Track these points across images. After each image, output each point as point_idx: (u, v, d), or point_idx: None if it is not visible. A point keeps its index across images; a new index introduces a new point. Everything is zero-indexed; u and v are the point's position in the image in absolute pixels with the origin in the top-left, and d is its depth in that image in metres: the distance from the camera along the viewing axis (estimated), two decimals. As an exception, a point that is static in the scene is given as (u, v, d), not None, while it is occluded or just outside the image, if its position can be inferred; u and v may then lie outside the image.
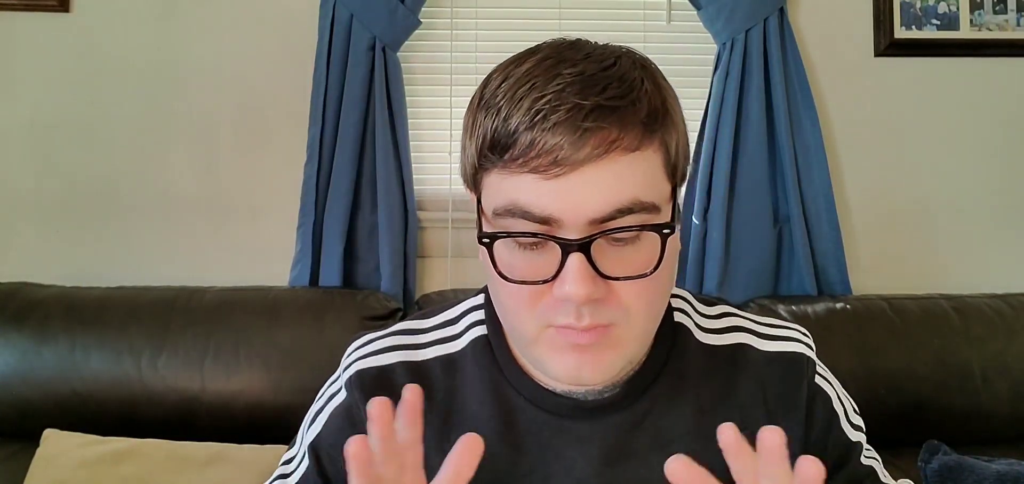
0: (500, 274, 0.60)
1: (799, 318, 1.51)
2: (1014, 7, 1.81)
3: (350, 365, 0.73)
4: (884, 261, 1.81)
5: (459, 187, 1.84)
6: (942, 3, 1.81)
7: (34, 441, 1.37)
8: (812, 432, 0.72)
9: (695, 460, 0.69)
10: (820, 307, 1.54)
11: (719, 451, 0.69)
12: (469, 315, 0.74)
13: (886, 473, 0.75)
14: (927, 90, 1.82)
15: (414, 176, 1.74)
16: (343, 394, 0.73)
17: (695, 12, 1.75)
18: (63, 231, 1.77)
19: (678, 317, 0.73)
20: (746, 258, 1.71)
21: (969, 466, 1.32)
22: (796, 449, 0.71)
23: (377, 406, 0.55)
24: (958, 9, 1.81)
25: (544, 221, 0.58)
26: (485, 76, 0.63)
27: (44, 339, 1.44)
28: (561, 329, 0.60)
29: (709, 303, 0.77)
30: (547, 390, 0.68)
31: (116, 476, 1.30)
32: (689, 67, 1.82)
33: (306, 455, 0.73)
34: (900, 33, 1.80)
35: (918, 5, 1.81)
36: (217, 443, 1.37)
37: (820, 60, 1.80)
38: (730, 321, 0.75)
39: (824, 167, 1.73)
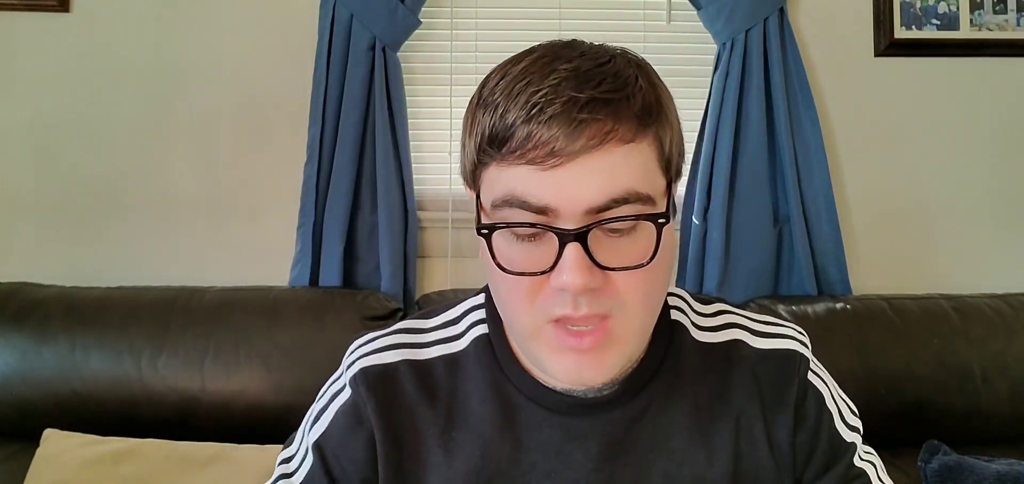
0: (499, 266, 0.61)
1: (799, 318, 1.51)
2: (1014, 7, 1.81)
3: (353, 363, 0.73)
4: (884, 261, 1.81)
5: (459, 187, 1.84)
6: (942, 3, 1.81)
7: (34, 441, 1.37)
8: (802, 428, 0.72)
9: (692, 456, 0.70)
10: (820, 307, 1.54)
11: (715, 447, 0.70)
12: (470, 315, 0.75)
13: (884, 478, 0.75)
14: (927, 90, 1.82)
15: (414, 176, 1.74)
16: (348, 391, 0.73)
17: (695, 12, 1.75)
18: (63, 231, 1.77)
19: (675, 316, 0.74)
20: (746, 258, 1.71)
21: (969, 466, 1.32)
22: (786, 446, 0.71)
23: None
24: (958, 9, 1.81)
25: (541, 211, 0.59)
26: (484, 76, 0.65)
27: (44, 339, 1.44)
28: (559, 329, 0.61)
29: (706, 302, 0.78)
30: (547, 388, 0.69)
31: (116, 476, 1.30)
32: (689, 67, 1.82)
33: (310, 453, 0.73)
34: (900, 33, 1.80)
35: (918, 5, 1.81)
36: (217, 443, 1.37)
37: (820, 60, 1.80)
38: (726, 319, 0.76)
39: (824, 167, 1.73)
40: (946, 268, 1.81)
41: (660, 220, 0.60)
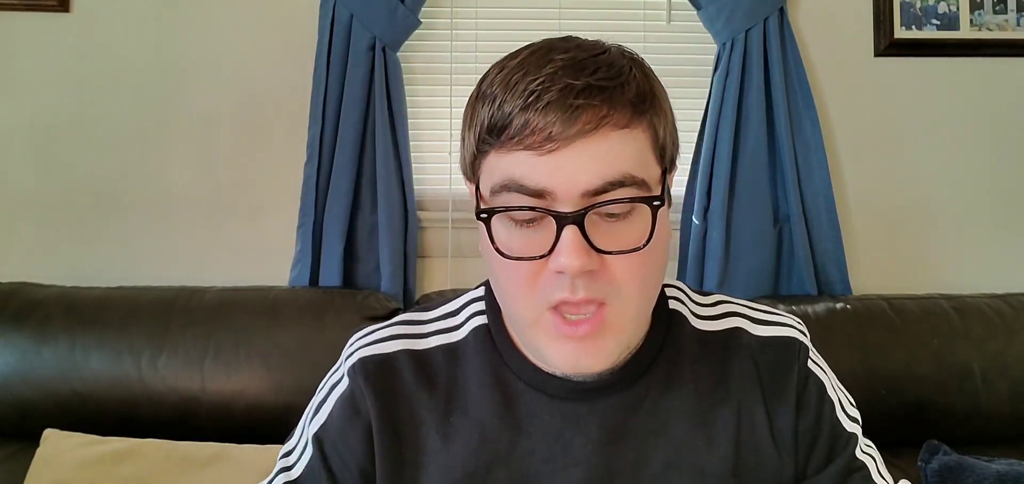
0: (498, 250, 0.62)
1: (798, 317, 1.51)
2: (1014, 7, 1.81)
3: (352, 354, 0.74)
4: (884, 261, 1.81)
5: (459, 187, 1.85)
6: (942, 3, 1.81)
7: (34, 441, 1.37)
8: (804, 416, 0.73)
9: (692, 442, 0.70)
10: (820, 307, 1.54)
11: (716, 433, 0.70)
12: (469, 307, 0.77)
13: (884, 472, 0.75)
14: (927, 90, 1.82)
15: (414, 176, 1.74)
16: (346, 382, 0.74)
17: (695, 12, 1.75)
18: (63, 231, 1.77)
19: (673, 305, 0.75)
20: (746, 258, 1.71)
21: (969, 466, 1.32)
22: (788, 434, 0.72)
23: None
24: (958, 9, 1.81)
25: (539, 194, 0.60)
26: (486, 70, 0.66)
27: (44, 339, 1.44)
28: (557, 318, 0.62)
29: (704, 293, 0.79)
30: (546, 374, 0.70)
31: (116, 476, 1.30)
32: (689, 67, 1.82)
33: (309, 445, 0.74)
34: (900, 33, 1.80)
35: (918, 5, 1.81)
36: (217, 443, 1.37)
37: (820, 60, 1.80)
38: (725, 308, 0.77)
39: (824, 167, 1.73)
40: (946, 268, 1.81)
41: (655, 203, 0.61)
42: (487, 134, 0.62)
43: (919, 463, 1.36)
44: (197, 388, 1.43)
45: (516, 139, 0.60)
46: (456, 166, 1.91)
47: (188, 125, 1.78)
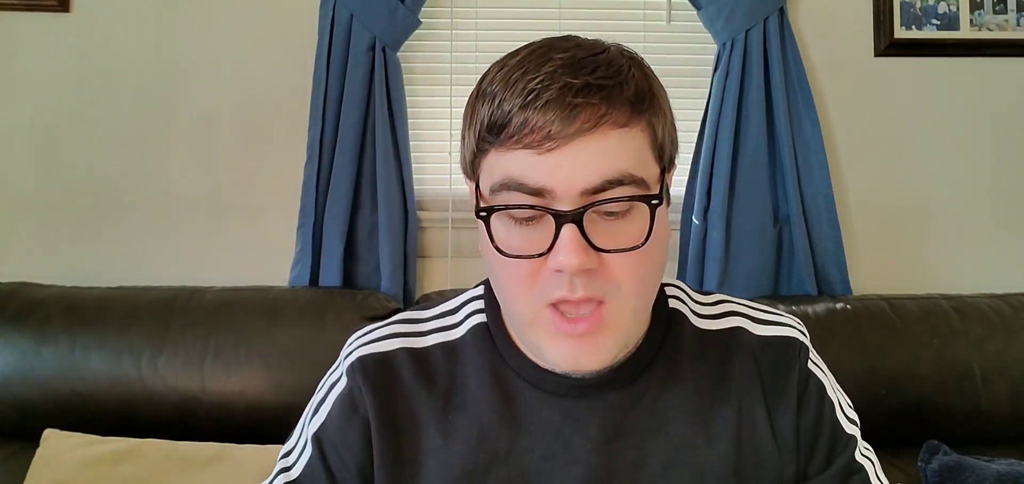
0: (497, 249, 0.63)
1: (798, 317, 1.51)
2: (1014, 7, 1.81)
3: (351, 353, 0.75)
4: (884, 261, 1.80)
5: (459, 187, 1.85)
6: (942, 3, 1.81)
7: (34, 441, 1.37)
8: (805, 416, 0.73)
9: (691, 440, 0.70)
10: (820, 307, 1.54)
11: (716, 431, 0.70)
12: (469, 305, 0.77)
13: (882, 475, 0.75)
14: (927, 90, 1.82)
15: (414, 176, 1.74)
16: (344, 381, 0.74)
17: (695, 12, 1.75)
18: (63, 231, 1.77)
19: (673, 304, 0.76)
20: (746, 258, 1.71)
21: (969, 466, 1.32)
22: (789, 433, 0.72)
23: None
24: (958, 9, 1.81)
25: (538, 193, 0.60)
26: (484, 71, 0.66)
27: (44, 339, 1.44)
28: (556, 316, 0.62)
29: (705, 293, 0.79)
30: (546, 371, 0.70)
31: (116, 476, 1.30)
32: (689, 67, 1.82)
33: (309, 445, 0.74)
34: (900, 33, 1.80)
35: (918, 5, 1.81)
36: (217, 443, 1.37)
37: (820, 60, 1.80)
38: (725, 307, 0.77)
39: (824, 167, 1.73)
40: (946, 268, 1.80)
41: (653, 202, 0.62)
42: (487, 132, 0.62)
43: (919, 463, 1.36)
44: (197, 388, 1.43)
45: (515, 138, 0.60)
46: (456, 166, 1.91)
47: (188, 125, 1.78)
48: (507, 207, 0.62)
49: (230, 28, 1.78)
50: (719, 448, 0.70)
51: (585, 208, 0.60)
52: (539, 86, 0.60)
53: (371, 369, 0.72)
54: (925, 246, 1.82)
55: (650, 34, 1.83)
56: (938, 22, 1.81)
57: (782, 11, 1.72)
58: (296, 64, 1.74)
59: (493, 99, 0.62)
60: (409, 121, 1.74)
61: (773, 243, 1.73)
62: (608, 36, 0.67)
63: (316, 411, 0.75)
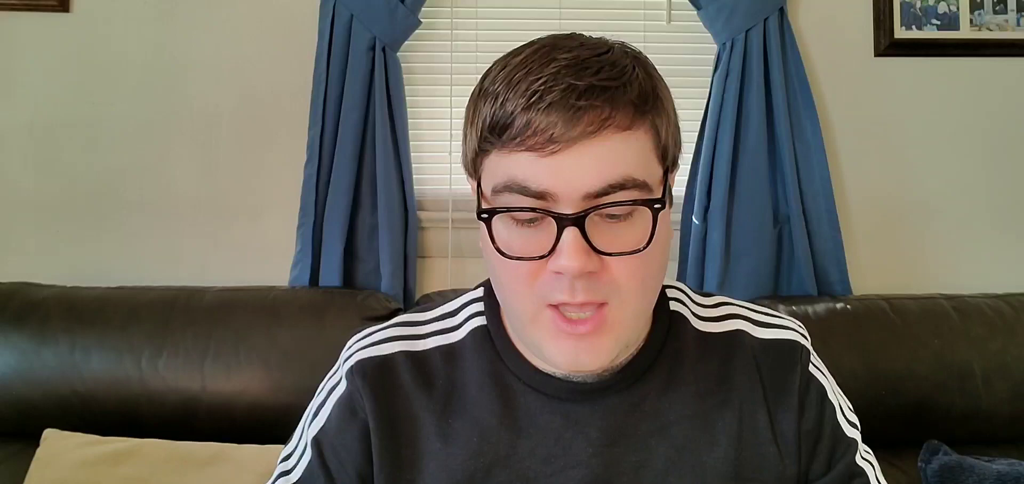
0: (498, 250, 0.62)
1: (799, 318, 1.50)
2: (1014, 7, 1.81)
3: (350, 356, 0.74)
4: (884, 261, 1.80)
5: (459, 187, 1.85)
6: (942, 3, 1.81)
7: (34, 441, 1.37)
8: (806, 419, 0.73)
9: (693, 441, 0.70)
10: (820, 307, 1.54)
11: (717, 433, 0.70)
12: (468, 307, 0.76)
13: (882, 479, 0.75)
14: (927, 90, 1.82)
15: (414, 176, 1.74)
16: (344, 384, 0.73)
17: (695, 12, 1.75)
18: (63, 231, 1.77)
19: (674, 306, 0.75)
20: (746, 258, 1.71)
21: (969, 466, 1.32)
22: (791, 435, 0.72)
23: None
24: (958, 9, 1.81)
25: (540, 196, 0.60)
26: (486, 69, 0.66)
27: (44, 339, 1.44)
28: (558, 315, 0.62)
29: (706, 295, 0.79)
30: (546, 374, 0.70)
31: (116, 476, 1.30)
32: (689, 67, 1.82)
33: (309, 448, 0.73)
34: (900, 33, 1.80)
35: (918, 5, 1.81)
36: (217, 443, 1.37)
37: (820, 60, 1.80)
38: (727, 310, 0.77)
39: (824, 167, 1.73)
40: (946, 268, 1.80)
41: (656, 206, 0.61)
42: (489, 133, 0.62)
43: (919, 463, 1.36)
44: (197, 388, 1.43)
45: (518, 139, 0.60)
46: (456, 166, 1.92)
47: (188, 125, 1.78)
48: (509, 210, 0.61)
49: (230, 28, 1.78)
50: (720, 451, 0.70)
51: (587, 211, 0.59)
52: (542, 87, 0.59)
53: (370, 373, 0.72)
54: (925, 246, 1.82)
55: (650, 34, 1.83)
56: (938, 22, 1.81)
57: (782, 11, 1.72)
58: (296, 64, 1.74)
59: (496, 99, 0.62)
60: (409, 121, 1.74)
61: (773, 243, 1.73)
62: (609, 36, 0.66)
63: (316, 414, 0.75)
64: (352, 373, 0.73)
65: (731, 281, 1.70)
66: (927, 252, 1.82)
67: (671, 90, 0.68)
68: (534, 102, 0.59)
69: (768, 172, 1.72)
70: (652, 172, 0.63)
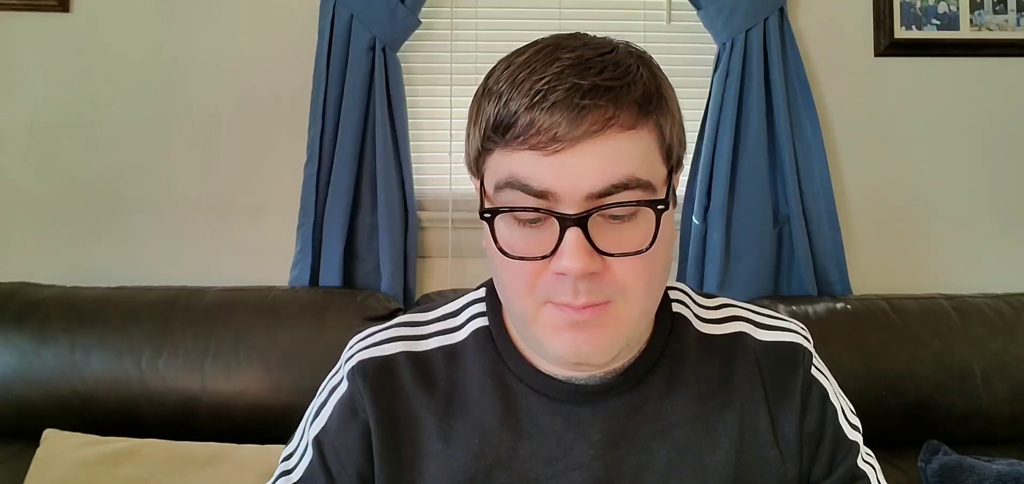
0: (500, 250, 0.62)
1: (799, 318, 1.50)
2: (1014, 7, 1.81)
3: (352, 356, 0.74)
4: (884, 261, 1.80)
5: (459, 187, 1.85)
6: (942, 3, 1.81)
7: (34, 441, 1.37)
8: (807, 422, 0.73)
9: (695, 443, 0.70)
10: (820, 307, 1.54)
11: (719, 435, 0.70)
12: (470, 308, 0.76)
13: (884, 482, 0.75)
14: (927, 90, 1.82)
15: (414, 176, 1.74)
16: (345, 384, 0.73)
17: (695, 12, 1.75)
18: (63, 231, 1.77)
19: (677, 308, 0.75)
20: (746, 258, 1.71)
21: (969, 466, 1.32)
22: (792, 437, 0.71)
23: None
24: (958, 9, 1.81)
25: (542, 195, 0.60)
26: (490, 68, 0.66)
27: (44, 339, 1.44)
28: (559, 305, 0.62)
29: (708, 297, 0.78)
30: (548, 376, 0.70)
31: (116, 476, 1.30)
32: (689, 67, 1.82)
33: (310, 449, 0.73)
34: (900, 33, 1.80)
35: (918, 5, 1.81)
36: (217, 443, 1.37)
37: (820, 60, 1.80)
38: (729, 312, 0.76)
39: (824, 167, 1.73)
40: (946, 268, 1.80)
41: (659, 207, 0.61)
42: (492, 131, 0.62)
43: (919, 463, 1.36)
44: (197, 388, 1.43)
45: (521, 138, 0.60)
46: (456, 166, 1.92)
47: (188, 125, 1.78)
48: (511, 209, 0.61)
49: (230, 28, 1.78)
50: (722, 453, 0.70)
51: (590, 212, 0.59)
52: (546, 87, 0.59)
53: (371, 373, 0.72)
54: (925, 246, 1.82)
55: (650, 34, 1.83)
56: (938, 22, 1.81)
57: (782, 11, 1.72)
58: (296, 64, 1.74)
59: (499, 98, 0.61)
60: (409, 121, 1.74)
61: (773, 243, 1.73)
62: (612, 37, 0.66)
63: (317, 414, 0.75)
64: (353, 373, 0.73)
65: (731, 281, 1.70)
66: (927, 252, 1.82)
67: (671, 90, 0.67)
68: (538, 101, 0.59)
69: (768, 172, 1.72)
70: (656, 172, 0.62)
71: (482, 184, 0.65)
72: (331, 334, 1.46)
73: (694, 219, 1.74)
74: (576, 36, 0.64)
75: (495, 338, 0.73)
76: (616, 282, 0.61)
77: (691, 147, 1.75)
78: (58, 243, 1.77)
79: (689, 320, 0.75)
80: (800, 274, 1.71)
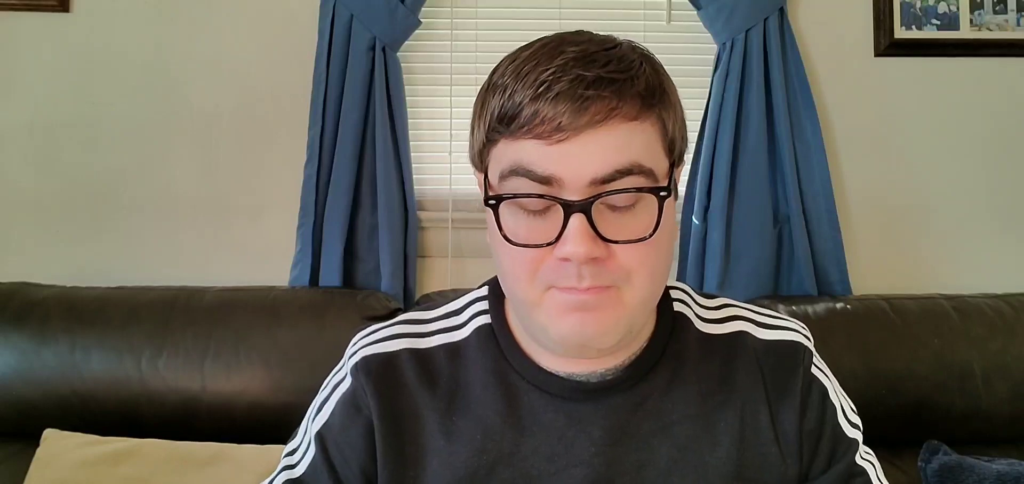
0: (505, 237, 0.63)
1: (799, 318, 1.50)
2: (1014, 7, 1.81)
3: (355, 353, 0.75)
4: (884, 261, 1.80)
5: (459, 187, 1.85)
6: (942, 3, 1.81)
7: (34, 441, 1.37)
8: (807, 419, 0.73)
9: (695, 443, 0.70)
10: (820, 307, 1.54)
11: (719, 433, 0.70)
12: (472, 306, 0.77)
13: (883, 479, 0.75)
14: (927, 90, 1.82)
15: (414, 176, 1.74)
16: (348, 380, 0.74)
17: (695, 12, 1.75)
18: (63, 231, 1.77)
19: (678, 307, 0.76)
20: (746, 258, 1.71)
21: (969, 466, 1.32)
22: (792, 435, 0.72)
23: None
24: (958, 9, 1.81)
25: (546, 181, 0.61)
26: (492, 67, 0.67)
27: (44, 339, 1.44)
28: (563, 290, 0.62)
29: (709, 297, 0.79)
30: (550, 373, 0.70)
31: (116, 476, 1.30)
32: (689, 67, 1.82)
33: (312, 443, 0.74)
34: (900, 33, 1.80)
35: (918, 5, 1.81)
36: (217, 443, 1.37)
37: (820, 60, 1.80)
38: (730, 312, 0.77)
39: (824, 167, 1.73)
40: (946, 268, 1.80)
41: (662, 194, 0.62)
42: (497, 123, 0.63)
43: (919, 463, 1.36)
44: (197, 388, 1.43)
45: (526, 128, 0.61)
46: (456, 166, 1.92)
47: (188, 125, 1.78)
48: (516, 196, 0.62)
49: (230, 28, 1.78)
50: (722, 451, 0.70)
51: (593, 198, 0.60)
52: (550, 78, 0.60)
53: (374, 369, 0.72)
54: (925, 246, 1.82)
55: (650, 34, 1.83)
56: (938, 22, 1.81)
57: (782, 11, 1.72)
58: (296, 64, 1.74)
59: (504, 91, 0.62)
60: (409, 121, 1.74)
61: (773, 243, 1.73)
62: (616, 36, 0.67)
63: (320, 410, 0.75)
64: (356, 370, 0.73)
65: (731, 281, 1.70)
66: (927, 252, 1.82)
67: (672, 90, 0.68)
68: (542, 92, 0.60)
69: (768, 172, 1.72)
70: (658, 163, 0.63)
71: (486, 177, 0.66)
72: (331, 334, 1.46)
73: (694, 219, 1.74)
74: (580, 33, 0.65)
75: (497, 336, 0.73)
76: (620, 268, 0.62)
77: (691, 147, 1.75)
78: (58, 243, 1.77)
79: (690, 319, 0.75)
80: (800, 274, 1.71)
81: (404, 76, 1.74)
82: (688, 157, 1.74)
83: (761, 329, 0.75)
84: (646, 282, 0.63)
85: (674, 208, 0.66)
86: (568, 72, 0.60)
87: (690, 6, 1.76)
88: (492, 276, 0.77)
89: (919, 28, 1.81)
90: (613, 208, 0.62)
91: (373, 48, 1.69)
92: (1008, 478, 1.28)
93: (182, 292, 1.54)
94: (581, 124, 0.59)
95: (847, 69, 1.81)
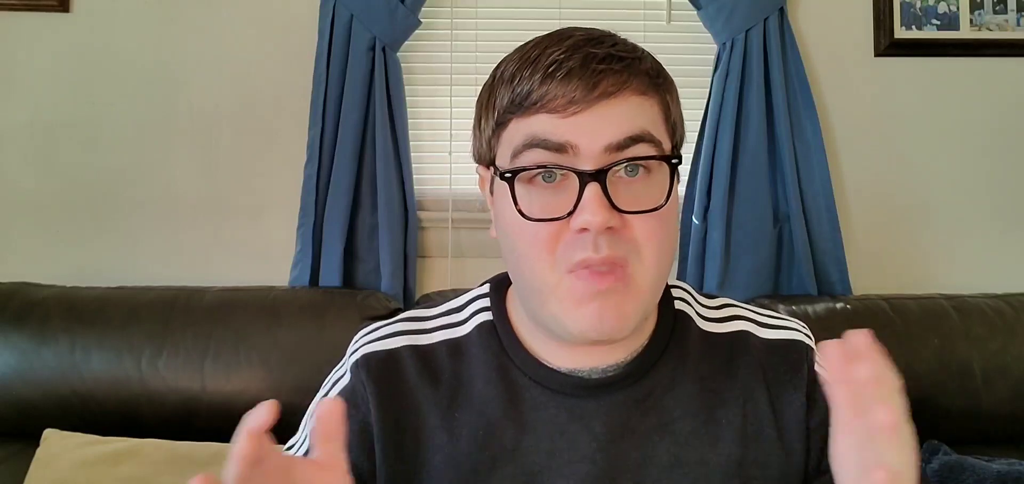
0: (520, 212, 0.63)
1: (799, 318, 1.49)
2: (1014, 7, 1.81)
3: (356, 350, 0.75)
4: (884, 261, 1.80)
5: (459, 187, 1.85)
6: (942, 3, 1.81)
7: (34, 441, 1.37)
8: (815, 414, 0.73)
9: (696, 440, 0.70)
10: (820, 307, 1.54)
11: (721, 431, 0.70)
12: (474, 303, 0.77)
13: None
14: (927, 90, 1.82)
15: (414, 176, 1.74)
16: (348, 377, 0.74)
17: (695, 12, 1.75)
18: (63, 231, 1.77)
19: (679, 305, 0.76)
20: (746, 258, 1.71)
21: (969, 466, 1.32)
22: (798, 431, 0.72)
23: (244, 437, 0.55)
24: (958, 9, 1.81)
25: (561, 149, 0.62)
26: (492, 68, 0.68)
27: (44, 339, 1.44)
28: (579, 276, 0.62)
29: (710, 297, 0.79)
30: (551, 369, 0.70)
31: (116, 476, 1.30)
32: (689, 67, 1.82)
33: (307, 439, 0.74)
34: (900, 33, 1.80)
35: (918, 5, 1.81)
36: (217, 443, 1.37)
37: (820, 60, 1.80)
38: (731, 311, 0.77)
39: (824, 167, 1.73)
40: (946, 268, 1.80)
41: (673, 161, 0.64)
42: (508, 107, 0.64)
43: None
44: (197, 388, 1.43)
45: (539, 104, 0.62)
46: (456, 166, 1.92)
47: (189, 125, 1.78)
48: (529, 168, 0.63)
49: (230, 28, 1.78)
50: (724, 448, 0.71)
51: (608, 167, 0.61)
52: (562, 57, 0.62)
53: (374, 366, 0.73)
54: (925, 246, 1.82)
55: (650, 34, 1.83)
56: (938, 22, 1.81)
57: (782, 11, 1.72)
58: (296, 64, 1.74)
59: (513, 79, 0.64)
60: (409, 121, 1.74)
61: (773, 243, 1.73)
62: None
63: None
64: (356, 367, 0.73)
65: (731, 281, 1.70)
66: (927, 252, 1.82)
67: (671, 90, 0.70)
68: (553, 71, 0.62)
69: (768, 172, 1.72)
70: (665, 140, 0.66)
71: (494, 165, 0.67)
72: (331, 334, 1.46)
73: (694, 219, 1.74)
74: (582, 27, 0.68)
75: (499, 332, 0.73)
76: (633, 238, 0.63)
77: (691, 147, 1.75)
78: (58, 243, 1.77)
79: (692, 318, 0.75)
80: (800, 274, 1.71)
81: (404, 76, 1.74)
82: (688, 157, 1.75)
83: (762, 329, 0.76)
84: (655, 258, 0.64)
85: (677, 182, 0.67)
86: (579, 51, 0.62)
87: (690, 6, 1.76)
88: (492, 275, 0.77)
89: (919, 28, 1.81)
90: (626, 177, 0.63)
91: (373, 48, 1.69)
92: (1008, 478, 1.28)
93: (182, 292, 1.54)
94: (594, 97, 0.61)
95: (847, 69, 1.81)
